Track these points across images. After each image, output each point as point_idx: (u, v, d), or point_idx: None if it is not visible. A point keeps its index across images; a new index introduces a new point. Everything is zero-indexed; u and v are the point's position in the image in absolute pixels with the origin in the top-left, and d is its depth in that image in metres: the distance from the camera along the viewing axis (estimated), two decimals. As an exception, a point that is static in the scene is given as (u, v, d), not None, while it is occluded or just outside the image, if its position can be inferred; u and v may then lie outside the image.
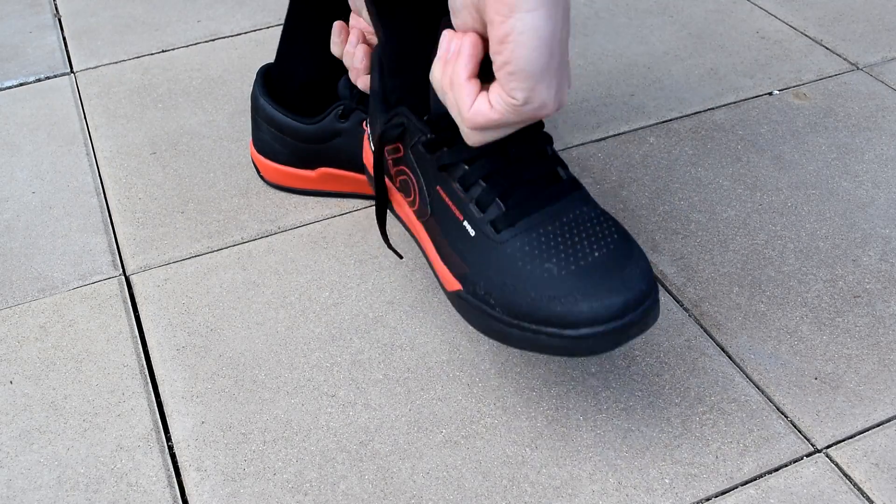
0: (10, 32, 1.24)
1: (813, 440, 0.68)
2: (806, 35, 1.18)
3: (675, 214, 0.89)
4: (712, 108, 1.04)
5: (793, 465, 0.67)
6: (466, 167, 0.62)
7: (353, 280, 0.83)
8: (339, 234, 0.88)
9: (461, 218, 0.62)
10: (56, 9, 1.30)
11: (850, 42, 1.16)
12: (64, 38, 1.22)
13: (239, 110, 1.06)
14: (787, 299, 0.80)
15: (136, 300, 0.82)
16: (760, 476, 0.66)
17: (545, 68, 0.50)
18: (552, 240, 0.60)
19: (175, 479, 0.67)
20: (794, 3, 1.25)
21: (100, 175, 0.97)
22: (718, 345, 0.76)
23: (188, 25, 1.23)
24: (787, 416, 0.70)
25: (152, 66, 1.15)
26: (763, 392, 0.72)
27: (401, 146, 0.65)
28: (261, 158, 0.92)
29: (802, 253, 0.85)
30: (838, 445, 0.68)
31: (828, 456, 0.67)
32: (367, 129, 0.75)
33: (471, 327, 0.77)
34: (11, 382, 0.74)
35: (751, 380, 0.73)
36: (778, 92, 1.07)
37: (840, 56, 1.14)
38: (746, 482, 0.66)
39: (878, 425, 0.69)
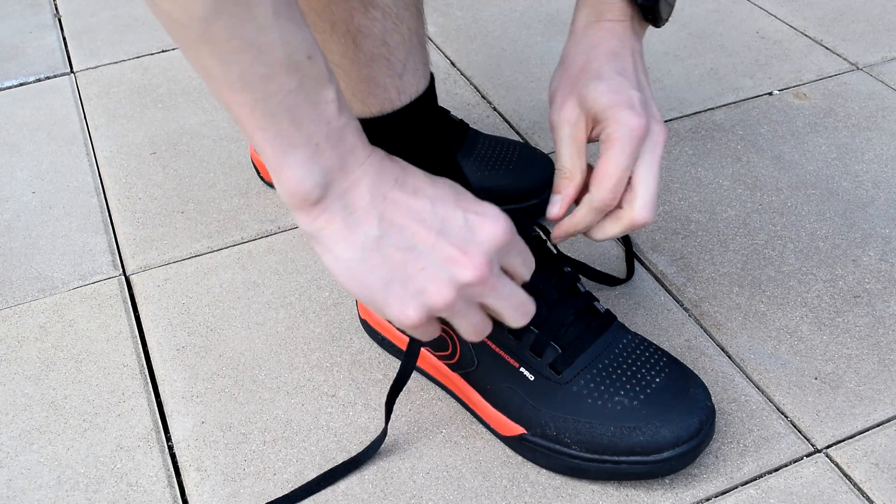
0: (10, 32, 1.24)
1: (813, 440, 0.68)
2: (806, 35, 1.18)
3: (675, 214, 0.89)
4: (712, 108, 1.04)
5: (793, 465, 0.67)
6: None
7: (353, 280, 0.83)
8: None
9: (516, 365, 0.65)
10: (56, 9, 1.30)
11: (850, 42, 1.16)
12: (64, 38, 1.22)
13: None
14: (787, 299, 0.80)
15: (136, 300, 0.82)
16: (760, 476, 0.66)
17: (367, 292, 0.52)
18: (612, 373, 0.64)
19: (175, 479, 0.67)
20: (794, 3, 1.25)
21: (100, 175, 0.97)
22: (718, 345, 0.76)
23: (188, 25, 1.23)
24: (787, 416, 0.70)
25: (152, 66, 1.15)
26: (763, 392, 0.72)
27: None
28: (261, 159, 0.92)
29: (802, 253, 0.85)
30: (838, 445, 0.68)
31: (828, 456, 0.67)
32: None
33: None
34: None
35: (751, 380, 0.73)
36: (778, 92, 1.07)
37: (840, 56, 1.14)
38: (746, 482, 0.66)
39: (878, 425, 0.69)
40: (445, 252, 0.51)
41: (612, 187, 0.60)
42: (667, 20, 0.65)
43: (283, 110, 0.46)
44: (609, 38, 0.62)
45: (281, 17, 0.44)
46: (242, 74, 0.45)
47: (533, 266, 0.56)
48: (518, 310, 0.54)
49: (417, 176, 0.53)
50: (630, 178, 0.61)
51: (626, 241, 0.84)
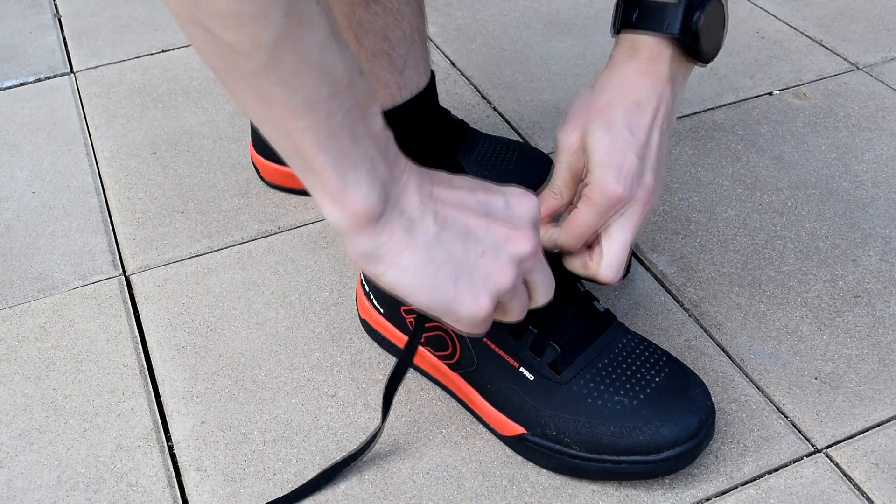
0: (10, 32, 1.24)
1: (813, 440, 0.68)
2: (806, 35, 1.18)
3: (675, 214, 0.89)
4: (712, 108, 1.04)
5: (793, 465, 0.67)
6: None
7: (352, 280, 0.83)
8: (340, 235, 0.88)
9: (516, 364, 0.65)
10: (56, 9, 1.30)
11: (850, 42, 1.16)
12: (64, 38, 1.22)
13: (239, 110, 1.06)
14: (787, 299, 0.80)
15: (136, 300, 0.82)
16: (760, 476, 0.66)
17: (438, 294, 0.52)
18: (612, 372, 0.64)
19: (175, 479, 0.67)
20: (794, 3, 1.25)
21: (100, 175, 0.97)
22: (718, 345, 0.76)
23: (188, 25, 1.23)
24: (787, 416, 0.70)
25: (152, 66, 1.15)
26: (763, 392, 0.72)
27: None
28: (260, 159, 0.92)
29: (802, 253, 0.85)
30: (838, 445, 0.68)
31: (828, 456, 0.67)
32: (363, 287, 0.75)
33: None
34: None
35: (751, 380, 0.73)
36: (778, 92, 1.07)
37: (840, 56, 1.14)
38: (746, 482, 0.66)
39: (878, 425, 0.69)
40: (499, 231, 0.52)
41: (576, 238, 0.63)
42: (714, 56, 0.64)
43: (344, 128, 0.46)
44: (639, 83, 0.62)
45: (335, 36, 0.45)
46: (307, 97, 0.45)
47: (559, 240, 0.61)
48: (551, 285, 0.57)
49: (443, 174, 0.54)
50: (602, 235, 0.63)
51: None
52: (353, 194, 0.48)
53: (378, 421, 0.70)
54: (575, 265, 0.65)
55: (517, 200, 0.54)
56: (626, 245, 0.62)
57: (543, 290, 0.56)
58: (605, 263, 0.63)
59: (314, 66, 0.44)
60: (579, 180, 0.64)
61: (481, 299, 0.52)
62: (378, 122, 0.48)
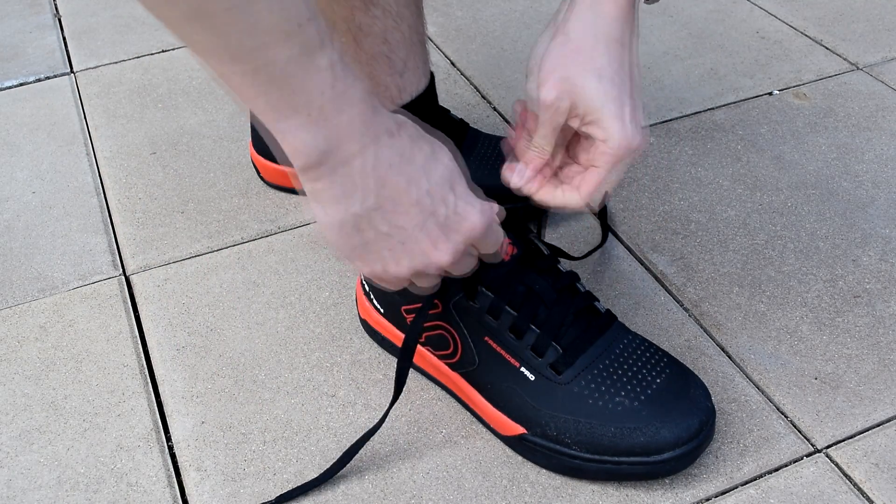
0: (10, 32, 1.24)
1: (813, 440, 0.68)
2: (806, 35, 1.18)
3: (675, 214, 0.89)
4: (712, 108, 1.04)
5: (793, 465, 0.67)
6: (515, 314, 0.65)
7: (352, 280, 0.83)
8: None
9: (517, 364, 0.65)
10: (56, 9, 1.30)
11: (850, 42, 1.16)
12: (64, 38, 1.22)
13: (239, 110, 1.05)
14: (787, 299, 0.80)
15: (136, 300, 0.82)
16: (760, 476, 0.66)
17: (338, 247, 0.54)
18: (613, 373, 0.64)
19: (175, 479, 0.67)
20: (794, 3, 1.25)
21: (100, 175, 0.97)
22: (718, 345, 0.76)
23: (188, 25, 1.23)
24: (787, 416, 0.70)
25: (152, 66, 1.15)
26: (763, 392, 0.72)
27: (438, 302, 0.67)
28: (260, 159, 0.92)
29: (802, 253, 0.85)
30: (838, 445, 0.68)
31: (828, 456, 0.67)
32: (363, 286, 0.76)
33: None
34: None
35: (751, 380, 0.73)
36: (778, 92, 1.07)
37: (840, 56, 1.14)
38: (746, 482, 0.66)
39: (878, 425, 0.69)
40: (420, 247, 0.53)
41: (592, 198, 0.61)
42: None
43: (278, 79, 0.46)
44: (615, 20, 0.59)
45: None
46: (235, 46, 0.45)
47: (499, 242, 0.59)
48: (463, 270, 0.57)
49: (422, 150, 0.53)
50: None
51: (601, 213, 0.83)
52: (290, 139, 0.49)
53: (379, 410, 0.70)
54: (544, 196, 0.63)
55: (465, 217, 0.54)
56: (603, 181, 0.61)
57: (457, 272, 0.57)
58: (584, 191, 0.61)
59: (241, 15, 0.44)
60: (558, 134, 0.61)
61: (368, 271, 0.55)
62: (326, 77, 0.47)
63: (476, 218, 0.54)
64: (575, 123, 0.59)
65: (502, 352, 0.66)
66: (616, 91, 0.58)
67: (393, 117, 0.52)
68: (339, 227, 0.53)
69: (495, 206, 0.57)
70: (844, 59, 1.13)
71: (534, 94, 0.59)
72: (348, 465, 0.67)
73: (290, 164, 0.51)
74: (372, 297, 0.74)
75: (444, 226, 0.53)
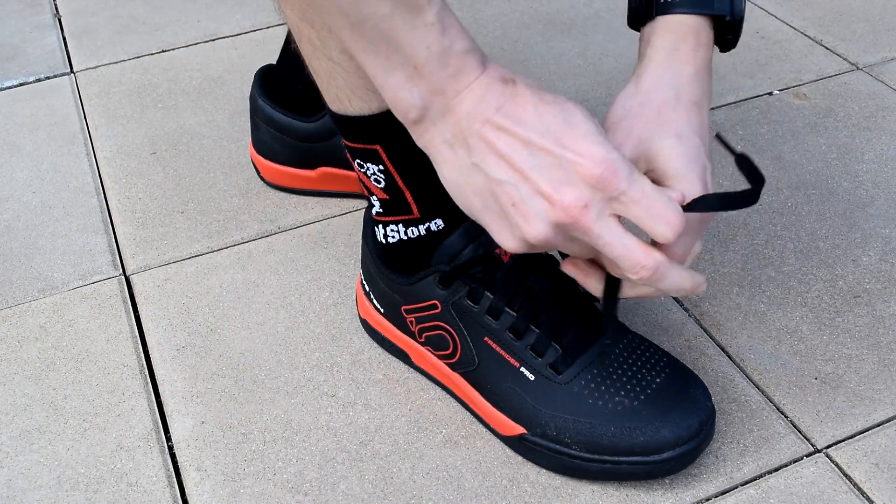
0: (10, 32, 1.24)
1: (813, 440, 0.68)
2: (806, 35, 1.18)
3: (675, 214, 0.89)
4: (712, 108, 1.04)
5: (793, 465, 0.67)
6: (514, 314, 0.65)
7: (352, 280, 0.83)
8: (339, 234, 0.88)
9: (517, 364, 0.65)
10: (56, 9, 1.30)
11: (850, 42, 1.16)
12: (64, 38, 1.22)
13: (239, 110, 1.06)
14: (787, 299, 0.80)
15: (136, 300, 0.82)
16: (760, 476, 0.66)
17: (471, 212, 0.53)
18: (613, 373, 0.64)
19: (175, 479, 0.67)
20: (794, 3, 1.25)
21: (100, 175, 0.97)
22: (718, 345, 0.76)
23: (188, 25, 1.23)
24: (787, 416, 0.70)
25: (152, 66, 1.15)
26: (763, 392, 0.72)
27: (437, 302, 0.67)
28: (260, 159, 0.92)
29: (802, 253, 0.85)
30: (838, 445, 0.68)
31: (828, 456, 0.67)
32: (363, 286, 0.76)
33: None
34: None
35: (751, 380, 0.73)
36: (778, 92, 1.07)
37: (840, 56, 1.14)
38: (746, 482, 0.66)
39: (878, 425, 0.69)
40: (538, 188, 0.49)
41: (678, 260, 0.55)
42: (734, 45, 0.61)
43: (379, 34, 0.47)
44: (693, 80, 0.58)
45: None
46: (336, 5, 0.47)
47: (670, 221, 0.50)
48: (626, 246, 0.51)
49: (526, 103, 0.50)
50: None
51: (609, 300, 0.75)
52: (390, 95, 0.50)
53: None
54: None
55: (578, 165, 0.49)
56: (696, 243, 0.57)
57: (619, 249, 0.50)
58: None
59: None
60: None
61: (507, 241, 0.52)
62: (430, 34, 0.48)
63: (590, 165, 0.48)
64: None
65: (502, 352, 0.66)
66: (695, 152, 0.56)
67: (504, 68, 0.51)
68: (463, 180, 0.51)
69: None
70: (844, 59, 1.13)
71: None
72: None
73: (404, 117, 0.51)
74: (372, 297, 0.74)
75: (554, 180, 0.49)
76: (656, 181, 0.55)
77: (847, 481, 0.65)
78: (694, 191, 0.54)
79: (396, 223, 0.67)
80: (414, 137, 0.52)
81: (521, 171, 0.49)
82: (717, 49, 0.61)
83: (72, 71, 1.15)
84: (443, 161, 0.52)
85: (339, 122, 0.64)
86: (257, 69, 0.92)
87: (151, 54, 1.18)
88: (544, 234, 0.50)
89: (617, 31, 1.19)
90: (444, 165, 0.52)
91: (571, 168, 0.49)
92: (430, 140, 0.52)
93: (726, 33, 0.60)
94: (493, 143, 0.50)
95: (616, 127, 0.57)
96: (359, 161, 0.65)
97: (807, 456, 0.67)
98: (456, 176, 0.52)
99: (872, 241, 0.86)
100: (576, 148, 0.49)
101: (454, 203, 0.54)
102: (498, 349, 0.66)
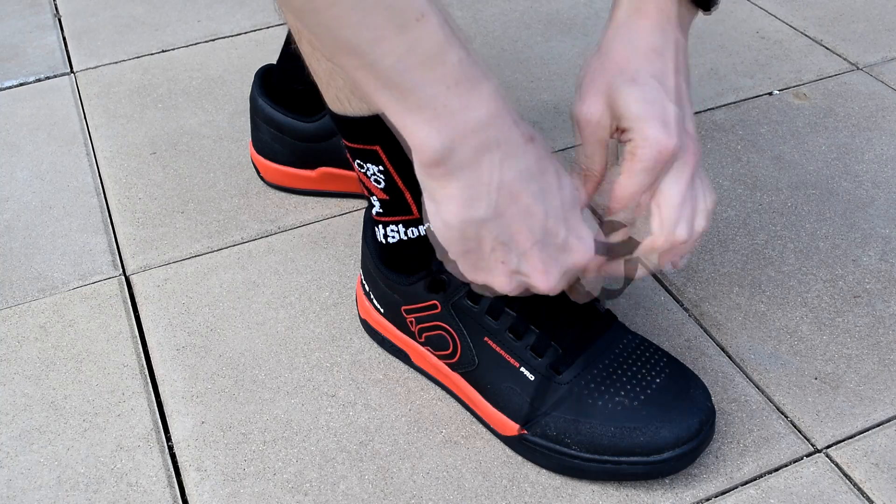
0: (10, 32, 1.24)
1: (813, 440, 0.68)
2: (806, 35, 1.18)
3: (675, 214, 0.89)
4: (712, 108, 1.04)
5: (793, 465, 0.67)
6: (514, 314, 0.65)
7: (352, 280, 0.83)
8: (339, 234, 0.88)
9: (517, 364, 0.65)
10: (56, 9, 1.30)
11: (850, 42, 1.16)
12: (64, 38, 1.22)
13: (239, 110, 1.06)
14: (787, 299, 0.80)
15: (136, 300, 0.82)
16: (760, 476, 0.66)
17: (447, 246, 0.53)
18: (613, 373, 0.64)
19: (175, 479, 0.67)
20: (794, 3, 1.25)
21: (100, 175, 0.97)
22: (718, 345, 0.76)
23: (188, 25, 1.23)
24: (787, 416, 0.70)
25: (152, 66, 1.15)
26: (763, 392, 0.72)
27: (437, 303, 0.67)
28: (260, 159, 0.92)
29: (802, 253, 0.85)
30: (838, 445, 0.68)
31: (828, 456, 0.67)
32: (363, 286, 0.75)
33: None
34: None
35: (751, 380, 0.73)
36: (778, 92, 1.07)
37: (840, 56, 1.14)
38: (746, 482, 0.66)
39: (878, 425, 0.69)
40: (531, 263, 0.52)
41: (622, 204, 0.57)
42: (718, 4, 0.61)
43: (396, 74, 0.45)
44: (652, 30, 0.57)
45: None
46: (350, 39, 0.44)
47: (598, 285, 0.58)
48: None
49: (550, 168, 0.51)
50: (654, 198, 0.57)
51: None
52: (411, 135, 0.47)
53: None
54: (617, 269, 0.59)
55: (575, 249, 0.53)
56: (678, 199, 0.56)
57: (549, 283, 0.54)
58: (658, 224, 0.56)
59: (354, 8, 0.42)
60: (605, 149, 0.59)
61: (474, 278, 0.55)
62: (450, 74, 0.45)
63: (583, 251, 0.53)
64: (624, 140, 0.57)
65: (502, 352, 0.66)
66: (655, 95, 0.56)
67: (526, 125, 0.50)
68: (457, 229, 0.51)
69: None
70: (844, 59, 1.13)
71: (577, 116, 0.58)
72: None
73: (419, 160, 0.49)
74: (372, 297, 0.74)
75: (549, 258, 0.52)
76: (625, 132, 0.56)
77: (847, 481, 0.65)
78: (655, 136, 0.55)
79: (396, 223, 0.67)
80: (424, 177, 0.50)
81: (525, 244, 0.51)
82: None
83: (72, 71, 1.15)
84: (448, 203, 0.50)
85: (338, 123, 0.64)
86: (257, 69, 0.92)
87: (151, 54, 1.18)
88: (512, 290, 0.54)
89: (617, 31, 1.19)
90: (447, 207, 0.50)
91: (568, 250, 0.53)
92: (445, 183, 0.49)
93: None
94: (511, 210, 0.50)
95: (584, 91, 0.58)
96: (359, 161, 0.65)
97: (807, 456, 0.67)
98: (454, 220, 0.50)
99: (872, 241, 0.86)
100: (575, 231, 0.53)
101: None
102: (498, 349, 0.66)
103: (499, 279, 0.54)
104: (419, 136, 0.47)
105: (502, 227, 0.50)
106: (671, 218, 0.56)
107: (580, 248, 0.53)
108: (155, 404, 0.72)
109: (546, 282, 0.53)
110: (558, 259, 0.53)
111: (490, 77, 0.47)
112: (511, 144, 0.48)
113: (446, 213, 0.50)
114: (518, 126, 0.49)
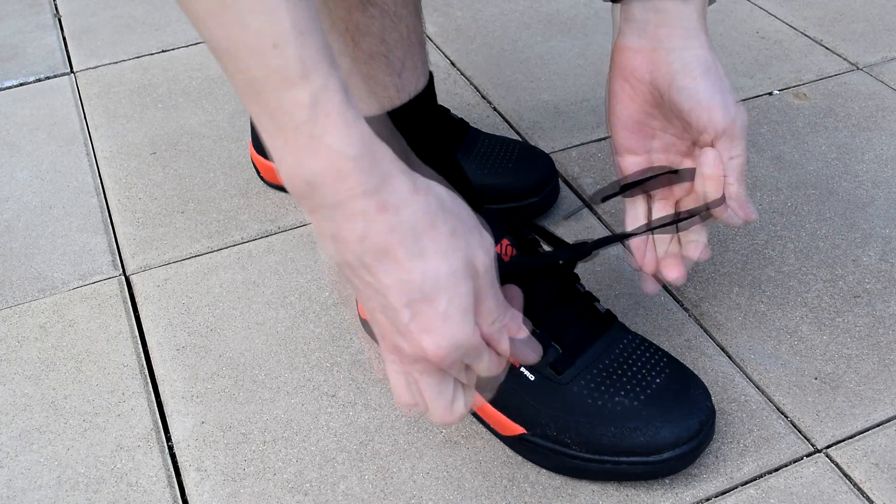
0: (10, 32, 1.24)
1: (813, 440, 0.68)
2: (806, 35, 1.18)
3: (675, 214, 0.89)
4: (712, 108, 1.04)
5: (793, 465, 0.67)
6: None
7: (353, 280, 0.83)
8: (339, 234, 0.88)
9: (517, 365, 0.65)
10: (56, 9, 1.30)
11: (850, 42, 1.16)
12: (64, 38, 1.22)
13: (239, 110, 1.06)
14: (787, 299, 0.80)
15: (136, 300, 0.82)
16: (760, 476, 0.66)
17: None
18: (613, 373, 0.64)
19: (175, 479, 0.67)
20: (794, 3, 1.25)
21: (100, 175, 0.97)
22: (718, 345, 0.76)
23: (188, 25, 1.23)
24: (787, 416, 0.70)
25: (152, 66, 1.15)
26: (763, 392, 0.72)
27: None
28: (260, 159, 0.92)
29: (802, 253, 0.85)
30: (838, 445, 0.68)
31: (828, 456, 0.67)
32: None
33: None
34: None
35: (751, 380, 0.73)
36: (778, 92, 1.07)
37: (840, 56, 1.14)
38: (746, 482, 0.66)
39: (878, 425, 0.69)
40: (404, 324, 0.46)
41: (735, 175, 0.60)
42: None
43: (252, 93, 0.42)
44: (673, 13, 0.58)
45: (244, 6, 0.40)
46: (220, 49, 0.42)
47: (498, 368, 0.50)
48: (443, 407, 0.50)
49: (439, 228, 0.45)
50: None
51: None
52: (278, 161, 0.44)
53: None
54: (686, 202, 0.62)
55: (454, 325, 0.46)
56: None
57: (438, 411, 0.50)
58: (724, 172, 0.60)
59: (219, 20, 0.41)
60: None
61: (376, 329, 0.49)
62: (300, 113, 0.42)
63: (466, 333, 0.46)
64: (694, 135, 0.60)
65: None
66: (716, 78, 0.59)
67: (422, 176, 0.46)
68: (335, 265, 0.47)
69: (531, 343, 0.52)
70: (844, 59, 1.13)
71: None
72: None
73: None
74: None
75: (441, 318, 0.46)
76: (684, 116, 0.59)
77: (847, 481, 0.65)
78: (721, 118, 0.58)
79: None
80: (301, 202, 0.45)
81: (396, 303, 0.45)
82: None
83: (72, 71, 1.15)
84: (319, 241, 0.46)
85: None
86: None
87: (151, 54, 1.18)
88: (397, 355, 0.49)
89: (617, 31, 1.19)
90: (319, 243, 0.46)
91: (448, 323, 0.46)
92: (313, 221, 0.45)
93: None
94: (372, 265, 0.45)
95: (616, 94, 0.61)
96: None
97: (807, 456, 0.67)
98: (328, 260, 0.48)
99: (872, 241, 0.86)
100: (469, 305, 0.46)
101: None
102: None
103: (378, 330, 0.48)
104: (283, 164, 0.43)
105: (371, 276, 0.45)
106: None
107: (463, 327, 0.46)
108: (155, 404, 0.72)
109: (431, 343, 0.46)
110: (439, 329, 0.46)
111: (363, 120, 0.43)
112: (388, 193, 0.43)
113: (322, 248, 0.46)
114: (405, 174, 0.44)
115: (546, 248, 0.69)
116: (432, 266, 0.45)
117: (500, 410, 0.66)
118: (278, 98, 0.42)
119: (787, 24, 1.21)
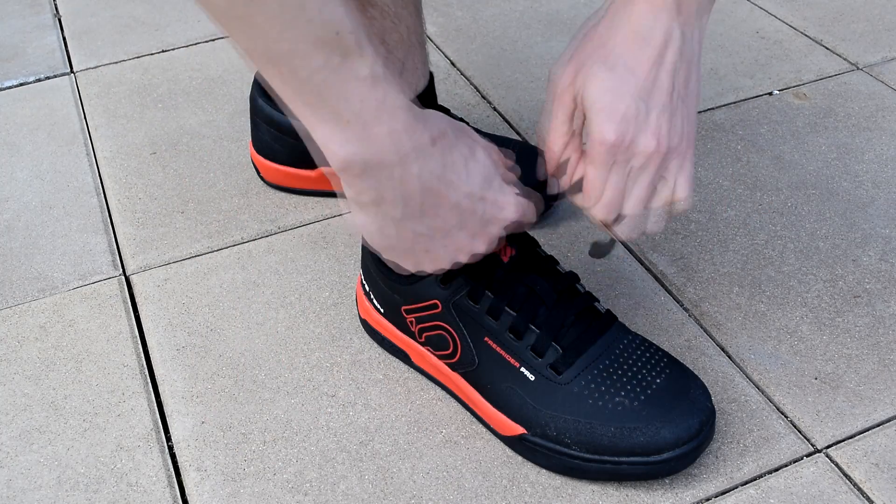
0: (10, 32, 1.24)
1: (813, 440, 0.68)
2: (806, 35, 1.18)
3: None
4: (712, 108, 1.04)
5: (793, 465, 0.67)
6: (515, 314, 0.65)
7: (352, 280, 0.83)
8: (339, 234, 0.88)
9: (517, 364, 0.65)
10: (56, 9, 1.30)
11: (850, 42, 1.16)
12: (64, 38, 1.22)
13: (239, 110, 1.06)
14: (787, 299, 0.80)
15: (136, 300, 0.82)
16: (760, 476, 0.66)
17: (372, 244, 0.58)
18: (613, 373, 0.64)
19: (175, 479, 0.67)
20: (794, 3, 1.25)
21: (100, 175, 0.97)
22: (718, 345, 0.76)
23: (188, 25, 1.23)
24: (787, 416, 0.70)
25: (152, 66, 1.15)
26: (763, 392, 0.72)
27: (438, 302, 0.67)
28: (260, 159, 0.92)
29: (802, 253, 0.85)
30: (838, 445, 0.68)
31: (828, 456, 0.67)
32: (363, 286, 0.76)
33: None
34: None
35: (751, 380, 0.73)
36: (778, 92, 1.07)
37: (840, 56, 1.14)
38: (746, 482, 0.66)
39: (878, 425, 0.69)
40: (459, 241, 0.57)
41: (596, 200, 0.60)
42: None
43: (311, 86, 0.47)
44: (642, 15, 0.54)
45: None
46: (268, 49, 0.46)
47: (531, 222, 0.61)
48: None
49: (461, 153, 0.55)
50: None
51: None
52: (329, 144, 0.50)
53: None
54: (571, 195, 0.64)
55: (502, 207, 0.57)
56: (639, 200, 0.59)
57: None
58: (586, 202, 0.60)
59: (274, 20, 0.45)
60: (571, 119, 0.59)
61: (406, 266, 0.59)
62: (362, 87, 0.48)
63: (511, 210, 0.57)
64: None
65: (502, 352, 0.66)
66: (618, 84, 0.54)
67: (434, 122, 0.53)
68: (378, 230, 0.55)
69: (533, 195, 0.60)
70: (844, 59, 1.13)
71: (550, 84, 0.59)
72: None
73: (327, 165, 0.52)
74: (372, 297, 0.74)
75: (482, 220, 0.56)
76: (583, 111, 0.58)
77: (847, 481, 0.65)
78: (596, 121, 0.55)
79: None
80: (341, 182, 0.53)
81: (442, 229, 0.55)
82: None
83: (72, 71, 1.15)
84: (363, 213, 0.55)
85: None
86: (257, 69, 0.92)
87: (151, 54, 1.18)
88: (442, 268, 0.60)
89: (617, 31, 1.19)
90: (361, 215, 0.55)
91: (491, 220, 0.57)
92: (359, 193, 0.53)
93: None
94: (417, 210, 0.54)
95: (565, 54, 0.58)
96: None
97: (807, 456, 0.67)
98: (371, 225, 0.55)
99: (872, 241, 0.86)
100: (499, 199, 0.57)
101: None
102: (498, 349, 0.66)
103: (427, 264, 0.59)
104: (331, 145, 0.50)
105: (422, 221, 0.54)
106: (591, 197, 0.59)
107: (507, 204, 0.57)
108: (155, 404, 0.72)
109: (478, 246, 0.58)
110: (484, 230, 0.57)
111: (401, 89, 0.50)
112: (418, 150, 0.52)
113: (366, 215, 0.55)
114: (426, 129, 0.52)
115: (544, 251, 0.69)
116: (461, 189, 0.55)
117: (499, 410, 0.66)
118: (341, 81, 0.47)
119: (787, 24, 1.21)
